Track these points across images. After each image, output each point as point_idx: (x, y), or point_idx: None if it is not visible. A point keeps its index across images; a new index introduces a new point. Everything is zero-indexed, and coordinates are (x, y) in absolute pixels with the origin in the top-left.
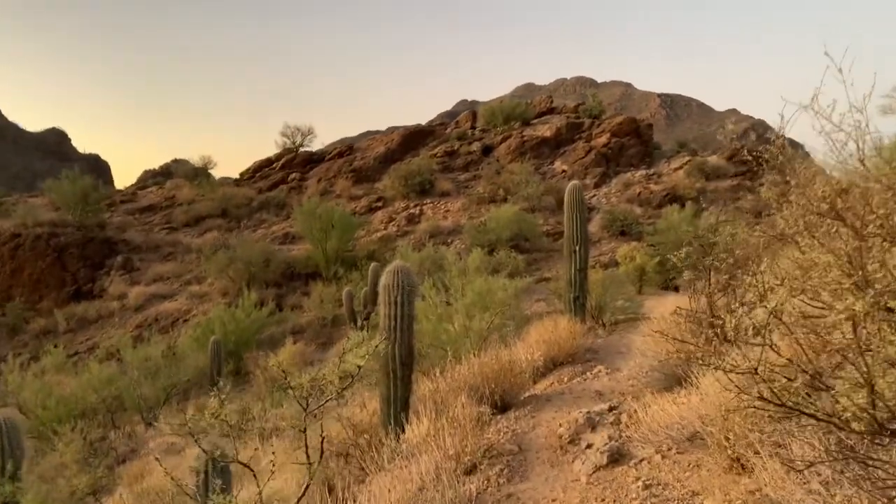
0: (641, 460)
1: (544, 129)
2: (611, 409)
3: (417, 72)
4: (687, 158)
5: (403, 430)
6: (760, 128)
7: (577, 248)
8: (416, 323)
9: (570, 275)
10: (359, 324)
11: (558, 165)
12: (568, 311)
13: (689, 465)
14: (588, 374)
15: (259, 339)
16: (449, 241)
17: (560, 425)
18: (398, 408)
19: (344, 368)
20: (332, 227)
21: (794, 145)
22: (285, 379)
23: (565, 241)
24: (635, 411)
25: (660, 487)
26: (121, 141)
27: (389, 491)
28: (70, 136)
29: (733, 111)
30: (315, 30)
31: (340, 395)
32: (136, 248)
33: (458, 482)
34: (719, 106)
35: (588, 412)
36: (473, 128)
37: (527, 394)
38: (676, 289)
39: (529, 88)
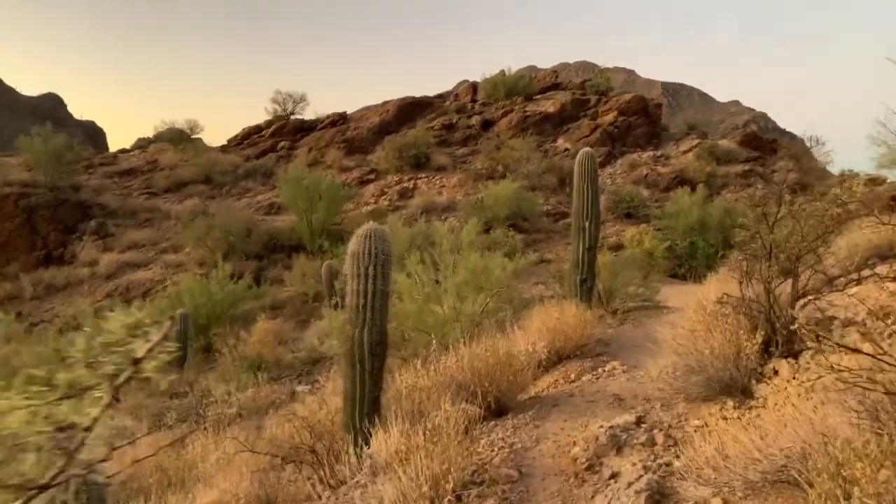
0: None
1: (548, 105)
2: (638, 421)
3: (418, 53)
4: (697, 141)
5: (367, 444)
6: (762, 120)
7: (587, 225)
8: (397, 302)
9: (577, 254)
10: (334, 301)
11: (561, 143)
12: (573, 296)
13: None
14: (600, 370)
15: (234, 315)
16: (443, 217)
17: (573, 442)
18: (364, 409)
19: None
20: (318, 198)
21: (792, 136)
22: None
23: (574, 215)
24: (671, 427)
25: None
26: (119, 108)
27: None
28: (66, 101)
29: (735, 102)
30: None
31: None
32: (112, 213)
33: None
34: (721, 97)
35: (610, 426)
36: (474, 101)
37: (528, 394)
38: (685, 277)
39: (531, 71)
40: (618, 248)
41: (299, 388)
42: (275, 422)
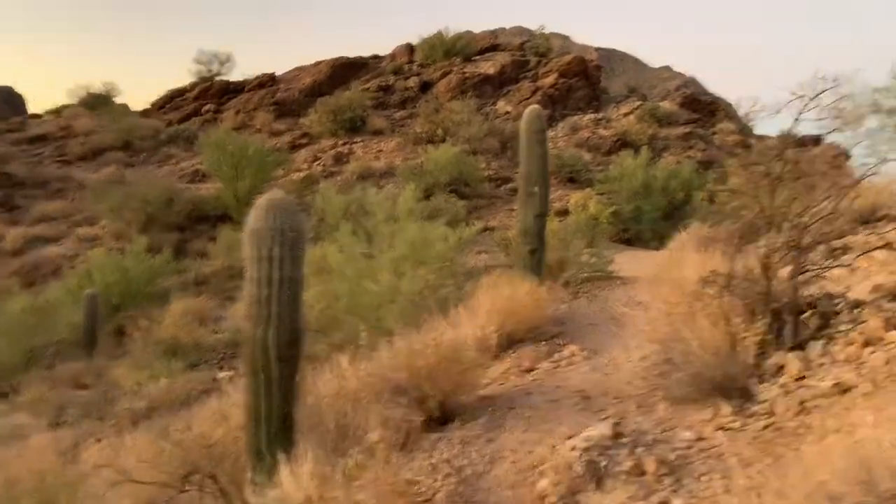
0: None
1: (487, 66)
2: (616, 435)
3: (353, 15)
4: (637, 103)
5: (274, 476)
6: (692, 85)
7: (536, 190)
8: (327, 280)
9: (525, 222)
10: None
11: (502, 106)
12: (521, 268)
13: None
14: (558, 357)
15: (152, 293)
16: (381, 184)
17: (538, 470)
18: (272, 429)
19: None
20: (245, 164)
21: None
22: None
23: (521, 179)
24: (658, 442)
25: None
26: (40, 73)
27: None
28: None
29: (667, 68)
30: None
31: None
32: (20, 184)
33: None
34: (653, 62)
35: (585, 448)
36: (411, 62)
37: (477, 393)
38: (629, 242)
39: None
40: (563, 213)
41: (221, 375)
42: (180, 425)
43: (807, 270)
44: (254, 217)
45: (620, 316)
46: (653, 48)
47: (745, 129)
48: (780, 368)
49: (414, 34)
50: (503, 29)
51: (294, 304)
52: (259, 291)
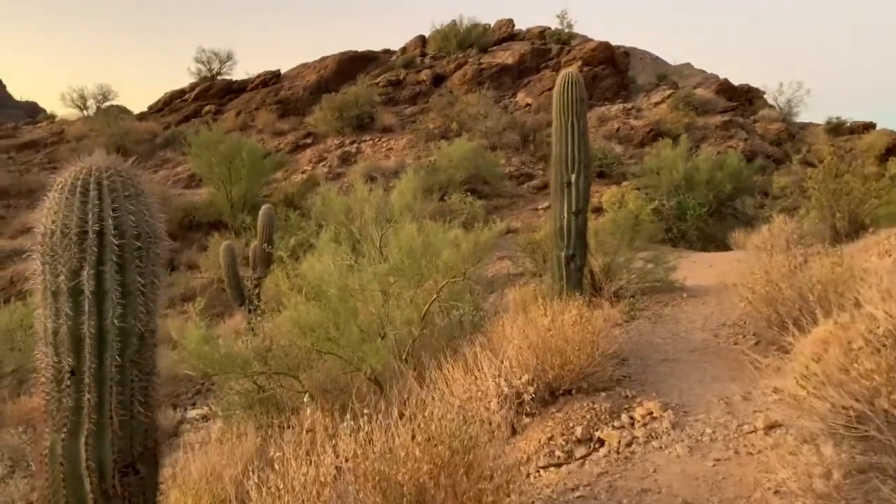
0: None
1: (505, 56)
2: None
3: (363, 13)
4: (669, 91)
5: None
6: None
7: (574, 179)
8: (299, 305)
9: (560, 220)
10: (245, 298)
11: (522, 98)
12: (556, 278)
13: None
14: (627, 418)
15: None
16: (391, 184)
17: None
18: None
19: None
20: (239, 166)
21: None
22: None
23: (553, 165)
24: None
25: None
26: (59, 85)
27: None
28: (6, 83)
29: (687, 65)
30: None
31: None
32: (3, 193)
33: None
34: (674, 60)
35: None
36: (423, 55)
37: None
38: (672, 242)
39: None
40: (596, 211)
41: (192, 414)
42: None
43: None
44: (49, 206)
45: (704, 345)
46: (671, 46)
47: (786, 117)
48: None
49: (427, 27)
50: (521, 30)
51: (139, 389)
52: (61, 368)
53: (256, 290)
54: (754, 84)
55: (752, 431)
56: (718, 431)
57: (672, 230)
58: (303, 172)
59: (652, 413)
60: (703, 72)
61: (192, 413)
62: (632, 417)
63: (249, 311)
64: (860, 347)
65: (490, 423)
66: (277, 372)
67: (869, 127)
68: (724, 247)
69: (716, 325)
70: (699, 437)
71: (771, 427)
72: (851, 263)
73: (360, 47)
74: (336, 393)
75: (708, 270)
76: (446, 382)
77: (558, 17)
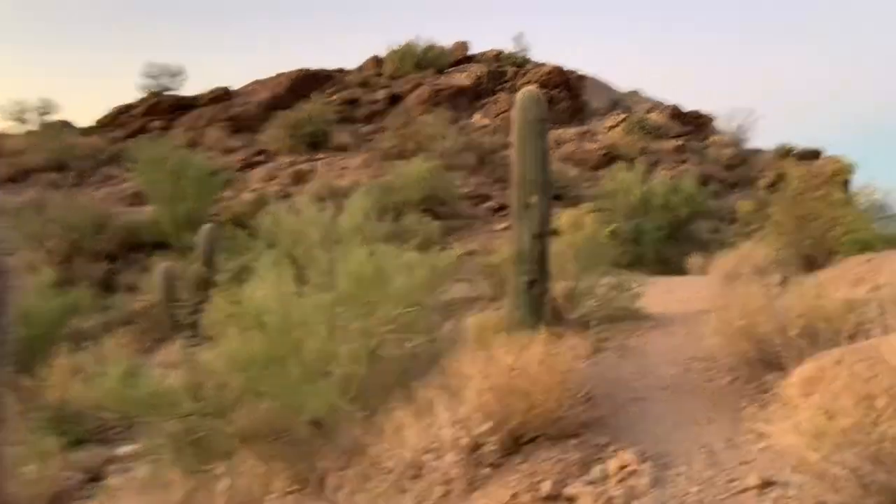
0: None
1: (462, 78)
2: None
3: (318, 29)
4: (623, 115)
5: None
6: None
7: (535, 200)
8: (231, 336)
9: (521, 243)
10: (182, 324)
11: (478, 119)
12: (517, 305)
13: None
14: (601, 471)
15: (66, 334)
16: (345, 204)
17: None
18: None
19: None
20: (185, 184)
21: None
22: None
23: (515, 186)
24: None
25: None
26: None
27: None
28: None
29: (635, 92)
30: None
31: None
32: None
33: None
34: (623, 87)
35: None
36: (379, 74)
37: None
38: (628, 266)
39: None
40: (552, 234)
41: (123, 450)
42: None
43: None
44: None
45: (675, 382)
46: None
47: (737, 143)
48: None
49: (383, 48)
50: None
51: None
52: None
53: (193, 318)
54: (704, 111)
55: (743, 490)
56: (706, 490)
57: (627, 253)
58: (253, 191)
59: (629, 467)
60: (651, 99)
61: (123, 449)
62: (605, 471)
63: (186, 340)
64: (885, 405)
65: (444, 478)
66: (206, 413)
67: (816, 154)
68: (679, 271)
69: (686, 358)
70: (683, 498)
71: (766, 485)
72: (828, 294)
73: (315, 65)
74: (272, 438)
75: (669, 296)
76: (397, 430)
77: (514, 40)
